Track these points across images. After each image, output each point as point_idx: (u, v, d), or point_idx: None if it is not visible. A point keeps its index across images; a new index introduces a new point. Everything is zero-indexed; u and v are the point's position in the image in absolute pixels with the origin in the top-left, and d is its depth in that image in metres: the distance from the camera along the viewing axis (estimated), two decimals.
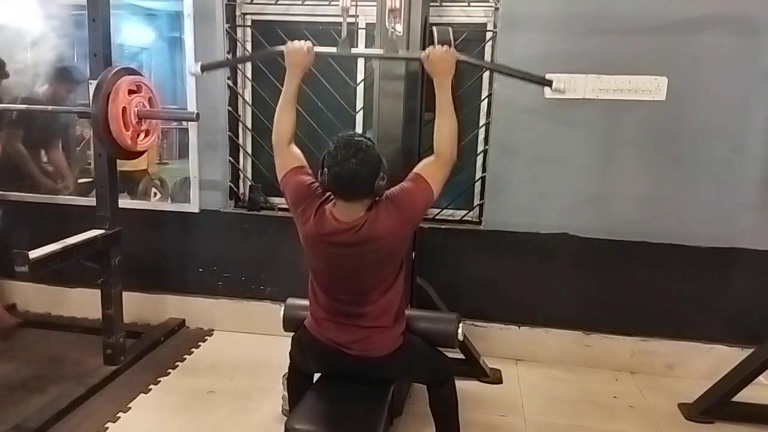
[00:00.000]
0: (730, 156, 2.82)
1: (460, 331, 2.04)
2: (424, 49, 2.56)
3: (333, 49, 2.15)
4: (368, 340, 1.87)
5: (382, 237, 1.78)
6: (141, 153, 2.76)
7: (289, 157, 1.96)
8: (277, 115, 1.99)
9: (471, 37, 3.03)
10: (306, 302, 2.01)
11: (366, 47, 3.09)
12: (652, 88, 2.80)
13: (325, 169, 1.77)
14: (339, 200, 1.80)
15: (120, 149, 2.60)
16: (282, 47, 2.00)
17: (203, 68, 2.26)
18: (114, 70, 2.52)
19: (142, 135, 2.70)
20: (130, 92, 2.56)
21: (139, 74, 2.68)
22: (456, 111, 1.91)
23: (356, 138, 1.79)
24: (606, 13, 2.77)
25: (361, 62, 3.12)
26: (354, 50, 2.17)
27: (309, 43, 1.98)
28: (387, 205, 1.81)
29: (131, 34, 3.25)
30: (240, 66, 3.27)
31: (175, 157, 3.98)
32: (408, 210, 1.81)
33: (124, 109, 2.52)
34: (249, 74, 3.28)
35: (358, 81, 3.15)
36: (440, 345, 2.07)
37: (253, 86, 3.30)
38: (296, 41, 2.00)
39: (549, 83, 2.05)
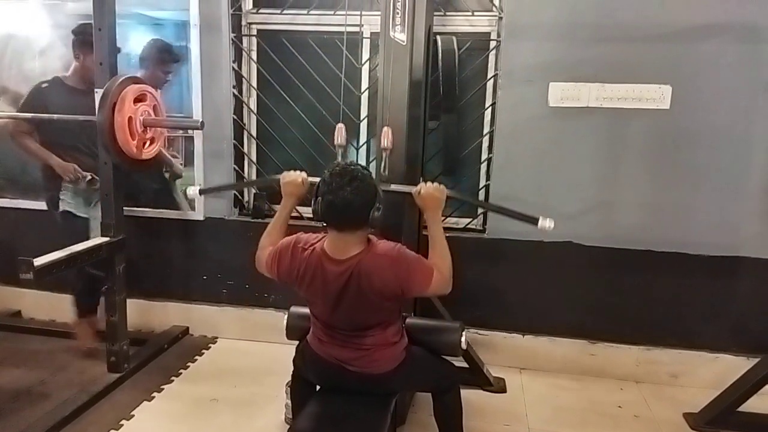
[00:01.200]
0: (734, 164, 2.81)
1: (463, 339, 2.04)
2: (428, 58, 2.61)
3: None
4: (370, 357, 1.86)
5: (373, 290, 1.76)
6: (146, 162, 2.77)
7: (270, 249, 1.96)
8: (264, 237, 2.01)
9: (475, 46, 3.05)
10: (308, 311, 2.01)
11: (370, 56, 3.11)
12: (656, 96, 2.80)
13: (319, 198, 1.76)
14: (331, 231, 1.79)
15: (125, 158, 2.62)
16: (278, 176, 2.09)
17: (201, 192, 2.47)
18: (120, 80, 2.54)
19: (147, 143, 2.72)
20: (136, 101, 2.58)
21: (144, 83, 2.70)
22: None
23: (352, 167, 1.77)
24: (610, 22, 2.78)
25: (365, 71, 3.13)
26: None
27: (303, 174, 2.04)
28: (384, 260, 1.77)
29: (138, 44, 3.27)
30: (245, 75, 3.29)
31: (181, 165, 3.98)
32: (401, 278, 1.77)
33: (129, 118, 2.54)
34: (254, 83, 3.30)
35: (362, 89, 3.16)
36: (444, 354, 2.07)
37: (258, 95, 3.31)
38: (291, 172, 2.06)
39: (535, 221, 2.10)
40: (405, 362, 1.90)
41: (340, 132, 2.29)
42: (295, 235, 1.92)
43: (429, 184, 1.98)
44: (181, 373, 2.97)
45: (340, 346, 1.88)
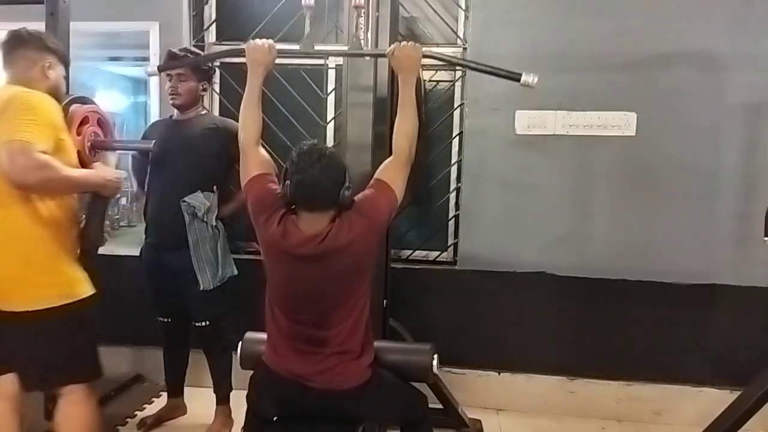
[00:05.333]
0: (704, 190, 2.80)
1: (435, 363, 1.88)
2: (393, 78, 2.56)
3: (295, 47, 2.11)
4: (332, 371, 1.70)
5: (347, 247, 1.66)
6: None
7: (255, 161, 1.85)
8: (241, 116, 1.90)
9: (441, 77, 3.05)
10: (265, 336, 1.84)
11: (335, 87, 3.07)
12: (622, 123, 2.81)
13: (287, 181, 1.67)
14: (302, 212, 1.69)
15: None
16: (243, 45, 1.94)
17: (160, 69, 2.23)
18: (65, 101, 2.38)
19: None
20: (82, 122, 2.41)
21: (92, 102, 2.53)
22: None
23: (319, 146, 1.70)
24: (573, 51, 2.81)
25: (332, 73, 3.08)
26: (317, 47, 2.14)
27: (270, 41, 1.93)
28: (351, 214, 1.70)
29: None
30: (207, 107, 3.19)
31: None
32: (373, 217, 1.71)
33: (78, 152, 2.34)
34: (217, 114, 3.21)
35: (328, 120, 3.11)
36: (414, 379, 1.89)
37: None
38: (257, 40, 1.93)
39: (518, 78, 1.99)
40: (372, 382, 1.73)
41: None
42: (276, 187, 1.77)
43: (404, 43, 1.89)
44: (127, 422, 2.71)
45: (300, 353, 1.71)
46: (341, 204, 1.68)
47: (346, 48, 2.15)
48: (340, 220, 1.69)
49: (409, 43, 1.90)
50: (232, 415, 2.66)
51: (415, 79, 1.88)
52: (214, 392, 2.67)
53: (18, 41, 1.96)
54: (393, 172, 1.80)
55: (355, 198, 1.74)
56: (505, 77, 2.03)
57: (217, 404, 2.67)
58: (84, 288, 1.90)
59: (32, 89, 1.87)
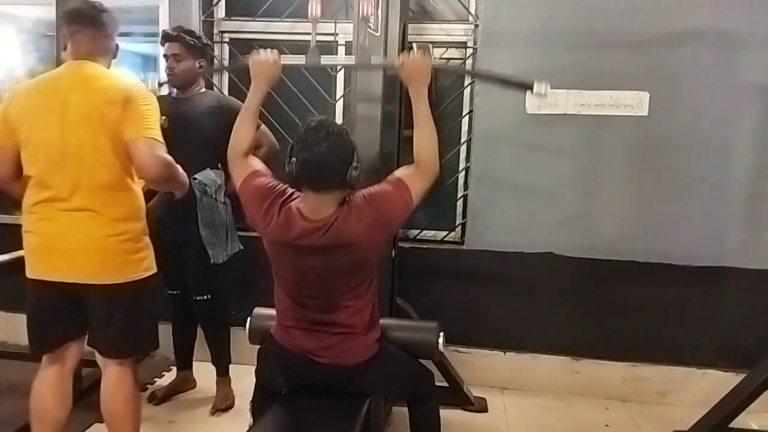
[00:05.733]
0: (715, 171, 2.77)
1: (440, 340, 1.89)
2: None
3: (302, 59, 2.04)
4: (340, 346, 1.70)
5: (354, 240, 1.62)
6: None
7: (246, 165, 1.81)
8: (235, 128, 1.85)
9: (451, 54, 3.01)
10: (273, 312, 1.85)
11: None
12: (634, 103, 2.77)
13: (292, 159, 1.61)
14: (307, 191, 1.64)
15: None
16: (247, 59, 1.88)
17: (160, 84, 2.21)
18: None
19: None
20: None
21: None
22: (435, 124, 1.80)
23: (327, 122, 1.64)
24: (585, 29, 2.77)
25: (340, 78, 3.06)
26: (324, 60, 2.09)
27: (276, 54, 1.84)
28: (362, 204, 1.64)
29: None
30: (216, 83, 3.19)
31: None
32: (385, 212, 1.65)
33: None
34: (226, 91, 3.20)
35: (337, 97, 3.09)
36: (420, 356, 1.91)
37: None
38: (261, 51, 1.85)
39: (530, 87, 1.89)
40: (378, 356, 1.74)
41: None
42: (271, 180, 1.75)
43: (413, 53, 1.79)
44: None
45: (308, 332, 1.72)
46: (349, 184, 1.63)
47: (353, 60, 2.13)
48: (348, 207, 1.64)
49: (419, 53, 1.82)
50: (232, 385, 2.76)
51: (427, 91, 1.78)
52: (214, 364, 2.75)
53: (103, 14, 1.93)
54: (415, 177, 1.71)
55: (371, 188, 1.68)
56: (517, 86, 1.97)
57: (217, 376, 2.75)
58: (154, 262, 2.01)
59: (104, 66, 1.93)
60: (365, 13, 2.06)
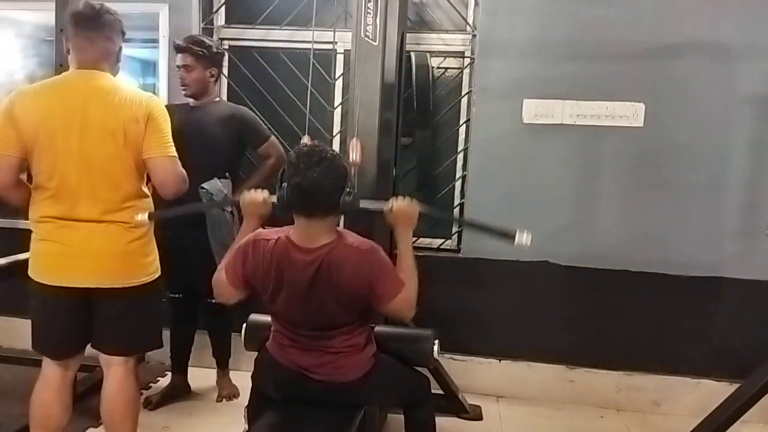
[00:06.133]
0: (711, 182, 2.79)
1: (436, 348, 1.90)
2: (401, 64, 2.54)
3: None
4: (335, 363, 1.71)
5: (339, 286, 1.62)
6: None
7: (233, 293, 1.77)
8: (227, 256, 1.81)
9: (449, 63, 3.03)
10: (268, 318, 1.85)
11: (343, 72, 3.06)
12: (630, 114, 2.80)
13: (284, 184, 1.59)
14: (299, 218, 1.63)
15: None
16: (238, 197, 1.90)
17: (150, 216, 1.94)
18: None
19: None
20: None
21: None
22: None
23: (320, 147, 1.63)
24: (582, 40, 2.80)
25: (340, 58, 3.07)
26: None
27: (265, 193, 1.82)
28: (358, 251, 1.63)
29: None
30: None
31: None
32: (371, 278, 1.62)
33: None
34: (225, 98, 3.21)
35: (335, 105, 3.11)
36: (415, 364, 1.93)
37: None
38: (251, 191, 1.83)
39: (512, 237, 1.82)
40: (373, 371, 1.75)
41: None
42: (253, 233, 1.76)
43: (400, 199, 1.78)
44: None
45: (303, 350, 1.72)
46: (341, 210, 1.62)
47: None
48: (343, 246, 1.63)
49: (406, 199, 1.79)
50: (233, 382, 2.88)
51: (411, 237, 1.77)
52: (214, 356, 2.88)
53: (103, 15, 1.92)
54: (406, 289, 1.67)
55: (374, 247, 1.67)
56: (500, 235, 1.90)
57: (219, 369, 2.90)
58: (159, 265, 2.07)
59: (112, 74, 1.96)
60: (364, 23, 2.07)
